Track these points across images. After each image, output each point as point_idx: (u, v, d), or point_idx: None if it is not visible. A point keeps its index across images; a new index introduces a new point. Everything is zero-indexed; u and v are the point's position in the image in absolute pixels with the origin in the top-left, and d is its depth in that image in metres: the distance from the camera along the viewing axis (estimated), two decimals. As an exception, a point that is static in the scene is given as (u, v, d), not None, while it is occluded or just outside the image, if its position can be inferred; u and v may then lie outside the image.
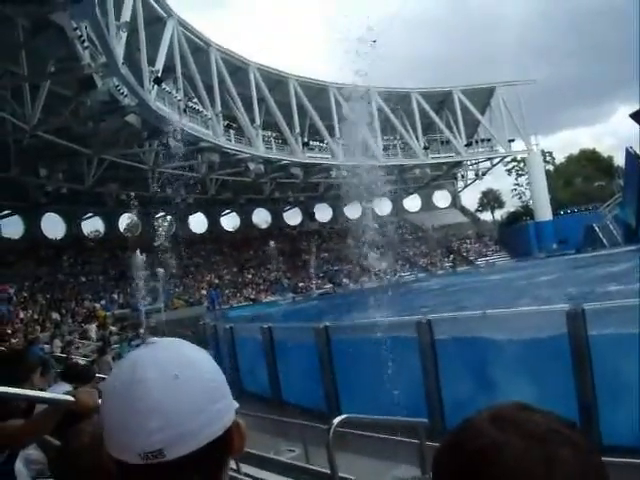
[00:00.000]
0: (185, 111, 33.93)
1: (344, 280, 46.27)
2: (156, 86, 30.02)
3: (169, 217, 49.62)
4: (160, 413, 0.77)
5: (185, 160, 35.97)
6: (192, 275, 42.08)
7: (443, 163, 57.17)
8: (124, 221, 48.20)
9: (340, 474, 3.87)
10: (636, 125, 35.19)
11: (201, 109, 37.04)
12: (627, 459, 4.64)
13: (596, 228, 45.49)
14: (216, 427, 0.82)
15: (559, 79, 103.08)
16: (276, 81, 44.95)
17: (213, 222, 53.12)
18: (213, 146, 36.48)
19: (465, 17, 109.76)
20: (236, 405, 0.90)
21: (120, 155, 34.27)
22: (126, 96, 26.16)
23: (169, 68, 32.90)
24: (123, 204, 38.86)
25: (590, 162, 67.41)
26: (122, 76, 24.67)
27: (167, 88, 32.52)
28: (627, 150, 40.51)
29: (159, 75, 30.23)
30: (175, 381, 0.80)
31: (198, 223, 52.89)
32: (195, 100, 36.96)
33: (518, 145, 56.63)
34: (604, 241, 43.98)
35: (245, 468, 4.77)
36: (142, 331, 24.41)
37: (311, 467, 4.82)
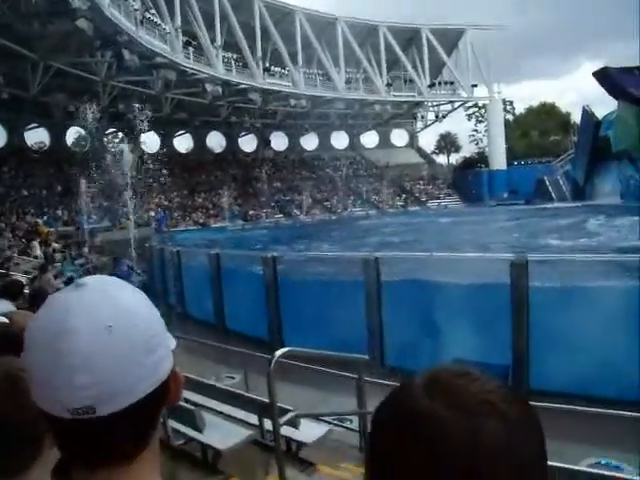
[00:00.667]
0: (142, 22, 32.02)
1: (295, 211, 46.26)
2: (110, -10, 28.02)
3: (120, 134, 47.93)
4: (90, 368, 0.70)
5: (140, 75, 34.40)
6: (141, 195, 41.17)
7: (404, 102, 56.77)
8: (72, 134, 46.24)
9: (279, 404, 3.89)
10: (597, 84, 35.52)
11: (159, 22, 35.16)
12: (553, 404, 4.85)
13: (547, 182, 46.54)
14: (152, 380, 0.75)
15: (529, 28, 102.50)
16: (240, 0, 42.95)
17: (166, 142, 51.63)
18: (170, 63, 34.94)
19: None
20: (173, 345, 0.82)
21: (69, 63, 32.21)
22: (76, -4, 24.43)
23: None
24: (71, 116, 37.06)
25: (549, 116, 68.07)
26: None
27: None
28: (584, 108, 41.01)
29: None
30: (108, 332, 0.71)
31: (150, 142, 51.37)
32: (153, 12, 34.99)
33: (480, 91, 56.74)
34: (553, 195, 45.14)
35: (184, 393, 4.77)
36: (86, 250, 23.93)
37: (250, 395, 4.85)
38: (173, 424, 4.32)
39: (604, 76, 35.33)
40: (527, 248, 13.66)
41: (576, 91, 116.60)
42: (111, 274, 13.55)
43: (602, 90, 35.81)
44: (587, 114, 40.00)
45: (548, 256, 8.41)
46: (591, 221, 22.41)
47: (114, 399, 0.71)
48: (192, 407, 4.33)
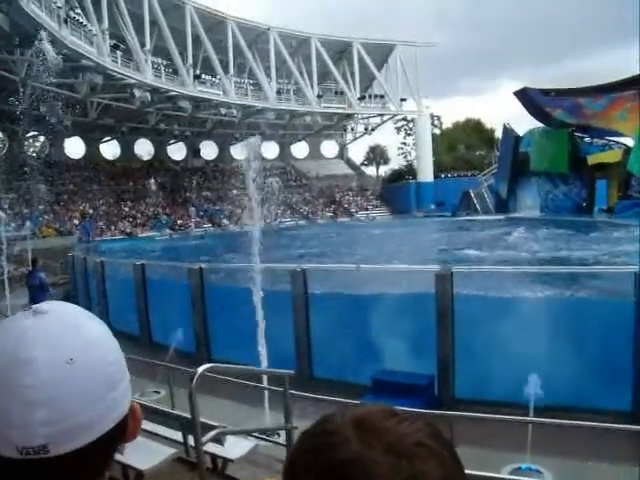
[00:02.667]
0: (66, 21, 30.65)
1: (224, 221, 45.75)
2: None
3: (42, 138, 46.02)
4: (48, 403, 0.65)
5: (63, 77, 33.09)
6: (64, 203, 39.63)
7: (335, 113, 57.41)
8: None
9: (204, 419, 3.78)
10: (516, 102, 37.33)
11: (85, 22, 33.93)
12: (477, 413, 4.95)
13: (472, 194, 48.20)
14: (111, 417, 0.68)
15: (456, 48, 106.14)
16: (172, 5, 42.18)
17: (91, 148, 49.98)
18: (96, 66, 33.74)
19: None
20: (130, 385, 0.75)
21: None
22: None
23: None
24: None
25: (474, 131, 70.57)
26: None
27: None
28: (504, 125, 42.95)
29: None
30: (69, 366, 0.66)
31: (74, 148, 49.55)
32: (79, 11, 33.71)
33: (409, 105, 58.08)
34: (478, 207, 46.78)
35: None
36: (2, 258, 22.69)
37: (172, 411, 4.69)
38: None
39: (524, 96, 37.22)
40: (452, 259, 14.04)
41: (499, 109, 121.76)
42: (28, 285, 12.85)
43: (521, 110, 37.64)
44: (507, 131, 41.86)
45: (472, 268, 8.64)
46: (514, 233, 23.30)
47: (71, 438, 0.65)
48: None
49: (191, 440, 4.12)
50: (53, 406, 0.64)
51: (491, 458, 4.61)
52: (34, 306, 0.72)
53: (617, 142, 33.79)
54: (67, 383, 0.65)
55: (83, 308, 0.77)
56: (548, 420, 4.48)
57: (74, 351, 0.67)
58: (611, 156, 32.27)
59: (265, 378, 5.69)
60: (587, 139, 35.08)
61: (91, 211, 40.06)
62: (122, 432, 0.72)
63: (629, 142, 32.03)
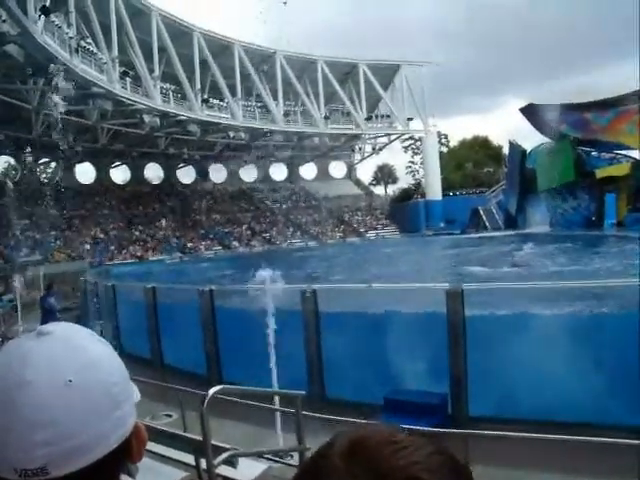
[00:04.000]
0: (77, 51, 31.25)
1: (234, 243, 45.89)
2: (43, 17, 27.10)
3: (53, 164, 46.59)
4: (48, 424, 0.65)
5: (75, 104, 33.60)
6: (76, 228, 39.97)
7: (342, 134, 57.74)
8: (0, 164, 44.59)
9: (216, 442, 3.78)
10: (520, 119, 37.54)
11: (95, 51, 34.56)
12: (493, 431, 4.92)
13: (481, 211, 48.12)
14: (113, 438, 0.69)
15: (460, 67, 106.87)
16: (180, 32, 42.89)
17: (102, 174, 50.51)
18: (106, 93, 34.26)
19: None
20: (137, 397, 0.78)
21: (-1, 90, 31.22)
22: (5, 21, 23.66)
23: (60, 0, 30.22)
24: (0, 145, 35.79)
25: (482, 148, 70.65)
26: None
27: (57, 22, 29.74)
28: (510, 142, 43.05)
29: (47, 4, 27.54)
30: (69, 386, 0.67)
31: (85, 173, 50.09)
32: (89, 40, 34.36)
33: (416, 124, 58.31)
34: (487, 224, 46.65)
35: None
36: (16, 284, 22.88)
37: (184, 434, 4.69)
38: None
39: (530, 112, 37.44)
40: (462, 276, 14.00)
41: (506, 126, 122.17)
42: (41, 308, 12.97)
43: (526, 126, 37.84)
44: (513, 147, 41.93)
45: (483, 285, 8.63)
46: (524, 249, 23.21)
47: (69, 459, 0.65)
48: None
49: (203, 463, 4.11)
50: (52, 427, 0.65)
51: (510, 477, 4.57)
52: (39, 327, 0.75)
53: (625, 155, 33.76)
54: (66, 403, 0.66)
55: (92, 331, 0.80)
56: (566, 437, 4.43)
57: (73, 372, 0.68)
58: (619, 169, 32.20)
59: (277, 399, 5.69)
60: (594, 153, 35.05)
61: (102, 235, 40.35)
62: (126, 452, 0.73)
63: (637, 155, 32.06)
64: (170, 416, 7.37)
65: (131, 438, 0.74)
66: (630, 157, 33.18)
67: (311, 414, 4.85)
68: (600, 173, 32.39)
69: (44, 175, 47.08)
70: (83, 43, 33.08)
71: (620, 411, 5.41)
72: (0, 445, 0.65)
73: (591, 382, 5.64)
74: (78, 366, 0.69)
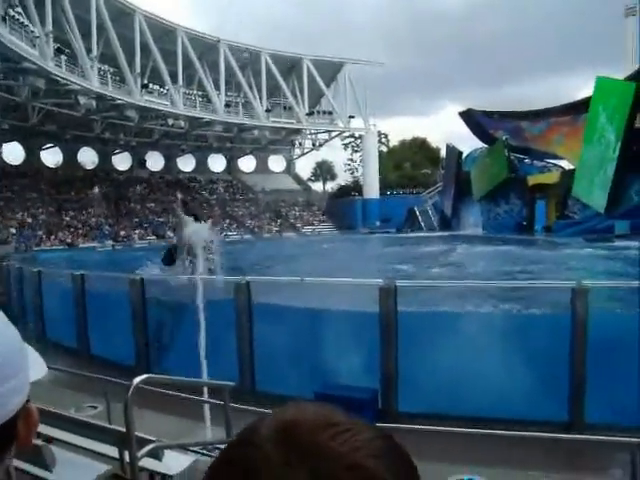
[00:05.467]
0: (4, 19, 29.55)
1: (168, 233, 44.97)
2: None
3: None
4: None
5: (2, 79, 31.95)
6: (0, 211, 38.14)
7: (283, 128, 57.57)
8: None
9: (140, 434, 3.65)
10: (459, 123, 38.65)
11: (27, 23, 32.80)
12: (420, 425, 4.99)
13: (417, 212, 49.09)
14: None
15: (401, 69, 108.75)
16: (121, 12, 41.48)
17: (31, 155, 48.34)
18: (38, 69, 32.66)
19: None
20: (37, 376, 0.68)
21: None
22: None
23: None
24: None
25: (420, 150, 72.03)
26: None
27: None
28: (447, 146, 44.22)
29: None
30: None
31: (13, 153, 47.84)
32: (19, 10, 32.54)
33: (357, 122, 58.87)
34: (422, 224, 47.66)
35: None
36: None
37: (108, 426, 4.52)
38: (17, 463, 3.89)
39: (468, 117, 38.60)
40: (395, 274, 14.20)
41: (443, 129, 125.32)
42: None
43: (463, 131, 39.00)
44: (451, 150, 43.06)
45: (415, 282, 8.76)
46: (457, 249, 23.83)
47: None
48: (40, 443, 3.92)
49: (127, 456, 3.98)
50: None
51: (434, 470, 4.64)
52: None
53: (555, 164, 35.30)
54: None
55: (10, 317, 0.69)
56: (489, 431, 4.55)
57: None
58: (549, 177, 33.63)
59: (206, 390, 5.58)
60: (527, 160, 36.41)
61: (30, 220, 38.69)
62: (8, 437, 0.64)
63: (565, 164, 33.59)
64: (95, 408, 7.11)
65: (15, 421, 0.64)
66: (559, 166, 34.74)
67: (240, 406, 4.78)
68: (532, 180, 33.71)
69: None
70: (12, 12, 31.21)
71: (549, 407, 5.62)
72: None
73: (512, 378, 5.82)
74: None
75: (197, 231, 11.39)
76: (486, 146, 38.12)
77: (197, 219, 11.89)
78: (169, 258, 12.31)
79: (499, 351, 6.10)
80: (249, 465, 0.46)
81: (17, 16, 31.86)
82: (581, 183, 28.14)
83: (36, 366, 0.72)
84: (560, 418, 5.57)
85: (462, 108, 39.44)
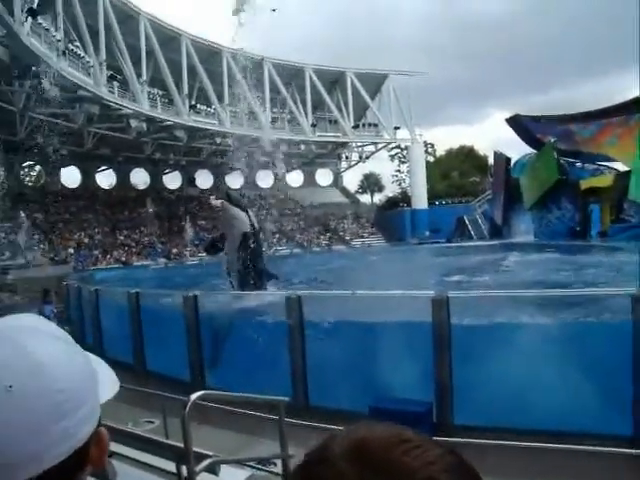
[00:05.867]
0: (64, 54, 31.16)
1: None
2: (30, 19, 26.98)
3: (38, 167, 46.22)
4: None
5: (61, 107, 33.38)
6: (59, 232, 39.57)
7: (329, 142, 57.85)
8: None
9: (197, 449, 3.71)
10: (504, 130, 38.00)
11: (83, 54, 34.39)
12: (476, 439, 4.90)
13: (466, 221, 48.37)
14: (63, 448, 0.62)
15: (445, 78, 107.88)
16: (168, 37, 42.85)
17: (87, 178, 50.12)
18: (93, 96, 34.10)
19: (366, 4, 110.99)
20: (107, 396, 0.72)
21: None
22: (-11, 21, 23.57)
23: (48, 1, 29.95)
24: (-17, 147, 35.39)
25: (467, 158, 71.13)
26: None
27: (44, 24, 29.59)
28: (495, 153, 43.46)
29: (34, 7, 27.35)
30: (7, 394, 0.60)
31: (70, 177, 49.71)
32: (77, 44, 34.22)
33: (403, 133, 58.66)
34: (472, 233, 46.90)
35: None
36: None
37: (165, 441, 4.60)
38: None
39: (515, 123, 37.90)
40: (448, 285, 14.02)
41: (490, 136, 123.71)
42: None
43: (510, 137, 38.26)
44: (498, 157, 42.30)
45: (468, 292, 8.63)
46: (509, 258, 23.35)
47: (10, 474, 0.59)
48: (103, 457, 4.02)
49: (185, 471, 4.04)
50: None
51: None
52: None
53: (607, 167, 34.20)
54: (3, 413, 0.60)
55: (53, 326, 0.72)
56: (549, 445, 4.43)
57: (15, 377, 0.61)
58: (602, 181, 32.56)
59: (259, 405, 5.63)
60: (578, 164, 35.44)
61: (86, 240, 40.01)
62: (80, 463, 0.66)
63: (619, 167, 32.50)
64: (152, 422, 7.26)
65: (88, 446, 0.66)
66: (613, 168, 33.62)
67: (294, 421, 4.81)
68: (584, 184, 32.73)
69: (28, 178, 46.68)
70: (71, 46, 32.93)
71: (611, 420, 5.42)
72: None
73: (580, 391, 5.64)
74: (21, 368, 0.62)
75: (243, 221, 11.21)
76: (534, 152, 37.31)
77: (242, 209, 11.67)
78: (213, 247, 12.11)
79: (557, 361, 5.94)
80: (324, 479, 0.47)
81: (73, 48, 33.40)
82: (638, 185, 27.17)
83: (108, 384, 0.75)
84: (623, 432, 5.36)
85: (508, 115, 38.81)
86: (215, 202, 11.30)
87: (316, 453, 0.51)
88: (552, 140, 33.89)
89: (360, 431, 0.51)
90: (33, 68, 27.51)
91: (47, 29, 29.82)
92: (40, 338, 0.66)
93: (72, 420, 0.64)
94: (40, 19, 28.67)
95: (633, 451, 4.74)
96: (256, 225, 11.57)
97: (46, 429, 0.61)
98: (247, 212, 11.62)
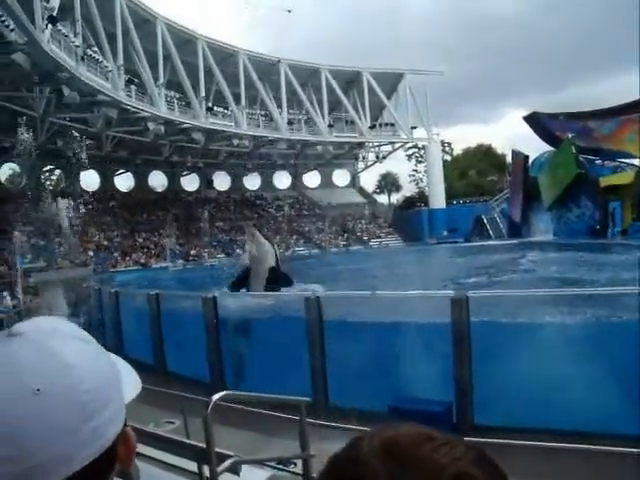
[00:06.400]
0: (83, 59, 31.56)
1: (238, 250, 45.86)
2: (50, 26, 27.44)
3: (58, 171, 46.78)
4: (11, 439, 0.59)
5: (80, 112, 33.79)
6: (79, 235, 40.03)
7: (346, 142, 57.82)
8: (5, 171, 44.70)
9: (219, 449, 3.74)
10: (521, 129, 37.66)
11: (101, 59, 34.81)
12: (497, 439, 4.88)
13: (484, 220, 48.06)
14: (92, 448, 0.63)
15: (461, 77, 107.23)
16: (184, 40, 43.19)
17: (106, 181, 50.64)
18: (111, 100, 34.46)
19: (382, 3, 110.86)
20: (131, 396, 0.74)
21: (4, 97, 31.13)
22: (13, 30, 23.93)
23: (67, 8, 30.43)
24: (5, 152, 35.94)
25: (485, 157, 70.67)
26: (7, 5, 22.42)
27: (63, 30, 30.00)
28: (513, 151, 43.07)
29: (54, 14, 27.77)
30: (36, 397, 0.61)
31: (90, 180, 50.24)
32: (95, 49, 34.65)
33: (419, 133, 58.46)
34: (490, 233, 46.58)
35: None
36: (18, 290, 22.93)
37: (188, 441, 4.65)
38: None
39: (534, 120, 37.60)
40: (467, 284, 13.96)
41: (508, 135, 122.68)
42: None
43: (528, 135, 37.95)
44: (517, 156, 41.92)
45: (487, 292, 8.58)
46: (528, 256, 23.16)
47: (41, 475, 0.59)
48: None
49: (206, 470, 4.08)
50: (16, 442, 0.59)
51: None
52: (14, 326, 0.69)
53: (628, 164, 33.73)
54: (30, 417, 0.60)
55: (75, 327, 0.73)
56: (570, 445, 4.40)
57: (43, 378, 0.62)
58: (623, 178, 32.12)
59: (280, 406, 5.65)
60: (598, 161, 35.02)
61: (106, 242, 40.42)
62: (109, 463, 0.67)
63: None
64: (173, 423, 7.32)
65: (116, 446, 0.68)
66: (634, 165, 33.16)
67: (315, 421, 4.82)
68: (604, 181, 32.34)
69: (48, 182, 47.25)
70: (89, 51, 33.33)
71: (628, 420, 5.36)
72: None
73: (599, 391, 5.59)
74: (48, 370, 0.63)
75: (273, 255, 11.24)
76: (553, 149, 36.95)
77: (271, 243, 11.73)
78: (240, 284, 11.61)
79: (574, 361, 5.89)
80: (358, 475, 0.49)
81: (92, 53, 33.82)
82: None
83: (131, 384, 0.77)
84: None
85: (524, 113, 38.54)
86: (251, 229, 11.37)
87: (345, 452, 0.53)
88: (569, 135, 33.53)
89: (388, 431, 0.53)
90: (54, 74, 27.88)
91: (66, 35, 30.21)
92: (64, 339, 0.68)
93: (100, 420, 0.65)
94: (59, 25, 29.07)
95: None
96: (279, 260, 11.57)
97: (76, 430, 0.62)
98: (273, 246, 11.69)
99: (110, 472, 0.68)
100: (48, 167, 44.91)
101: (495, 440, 4.75)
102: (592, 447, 4.35)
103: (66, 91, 28.91)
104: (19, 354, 0.64)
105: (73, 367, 0.65)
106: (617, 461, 4.54)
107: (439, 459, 0.49)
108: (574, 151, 32.86)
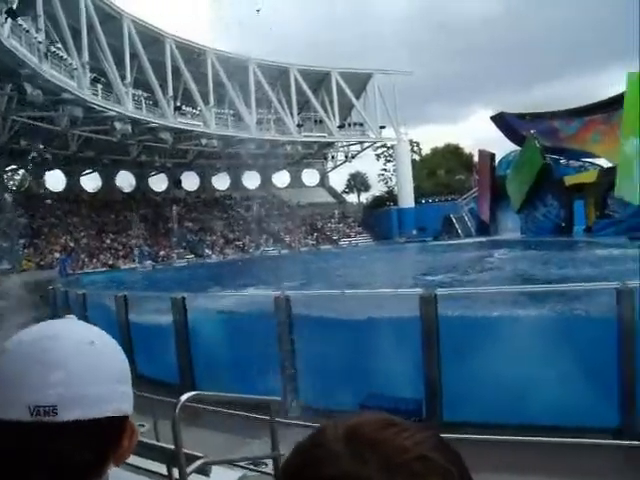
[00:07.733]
0: (46, 56, 30.72)
1: (207, 251, 45.55)
2: (10, 20, 26.57)
3: (21, 171, 45.79)
4: (65, 368, 0.70)
5: (44, 111, 33.08)
6: (45, 236, 39.24)
7: (315, 142, 57.87)
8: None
9: (188, 450, 3.71)
10: (489, 128, 38.31)
11: (65, 56, 34.05)
12: (466, 435, 4.93)
13: (453, 219, 48.62)
14: (116, 406, 0.73)
15: (429, 77, 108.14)
16: (152, 38, 42.58)
17: (72, 181, 49.70)
18: (77, 99, 33.71)
19: (349, 3, 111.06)
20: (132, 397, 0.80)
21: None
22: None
23: (28, 2, 29.59)
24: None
25: (453, 156, 71.38)
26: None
27: (25, 25, 29.15)
28: (479, 151, 43.79)
29: (14, 7, 26.96)
30: (90, 346, 0.74)
31: (55, 181, 49.27)
32: (59, 45, 33.85)
33: (388, 132, 58.82)
34: (459, 231, 47.16)
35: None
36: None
37: (156, 443, 4.59)
38: None
39: (501, 120, 38.25)
40: (435, 282, 14.10)
41: (476, 134, 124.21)
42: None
43: (495, 135, 38.63)
44: (483, 156, 42.57)
45: (456, 290, 8.68)
46: (495, 255, 23.52)
47: (79, 404, 0.69)
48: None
49: (176, 472, 4.04)
50: (69, 370, 0.69)
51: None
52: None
53: (592, 163, 34.57)
54: (84, 357, 0.72)
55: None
56: (537, 439, 4.47)
57: (96, 339, 0.75)
58: (587, 177, 32.87)
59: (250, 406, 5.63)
60: (563, 161, 35.77)
61: (72, 244, 39.70)
62: (118, 438, 0.75)
63: (603, 163, 32.85)
64: (143, 425, 7.23)
65: (123, 435, 0.76)
66: (597, 165, 33.98)
67: (285, 420, 4.81)
68: (569, 180, 33.02)
69: (11, 182, 46.21)
70: (52, 48, 32.54)
71: (601, 413, 5.48)
72: (17, 385, 0.68)
73: (560, 383, 5.70)
74: (100, 337, 0.77)
75: None
76: (519, 149, 37.61)
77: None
78: None
79: (544, 355, 5.98)
80: (321, 464, 0.49)
81: (55, 50, 33.02)
82: (624, 181, 27.43)
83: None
84: (610, 424, 5.42)
85: (492, 113, 39.18)
86: None
87: (309, 439, 0.54)
88: (532, 131, 34.15)
89: (351, 419, 0.54)
90: (16, 71, 27.20)
91: (27, 31, 29.35)
92: (90, 326, 0.80)
93: (126, 389, 0.77)
94: (20, 20, 28.27)
95: (620, 442, 4.80)
96: None
97: (112, 383, 0.74)
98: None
99: (115, 448, 0.74)
100: (11, 167, 43.88)
101: (462, 435, 4.81)
102: (565, 440, 4.42)
103: (29, 88, 28.22)
104: (75, 324, 0.79)
105: (116, 345, 0.81)
106: (587, 453, 4.64)
107: (402, 442, 0.50)
108: (538, 145, 33.46)
